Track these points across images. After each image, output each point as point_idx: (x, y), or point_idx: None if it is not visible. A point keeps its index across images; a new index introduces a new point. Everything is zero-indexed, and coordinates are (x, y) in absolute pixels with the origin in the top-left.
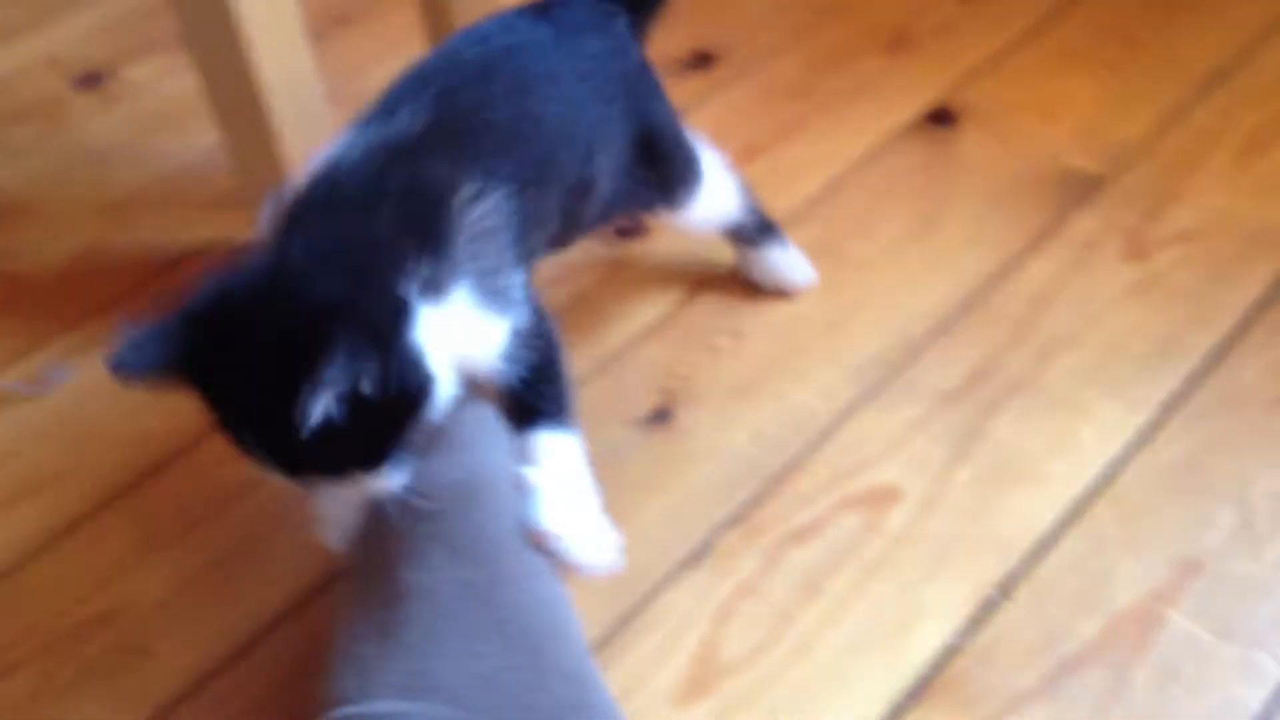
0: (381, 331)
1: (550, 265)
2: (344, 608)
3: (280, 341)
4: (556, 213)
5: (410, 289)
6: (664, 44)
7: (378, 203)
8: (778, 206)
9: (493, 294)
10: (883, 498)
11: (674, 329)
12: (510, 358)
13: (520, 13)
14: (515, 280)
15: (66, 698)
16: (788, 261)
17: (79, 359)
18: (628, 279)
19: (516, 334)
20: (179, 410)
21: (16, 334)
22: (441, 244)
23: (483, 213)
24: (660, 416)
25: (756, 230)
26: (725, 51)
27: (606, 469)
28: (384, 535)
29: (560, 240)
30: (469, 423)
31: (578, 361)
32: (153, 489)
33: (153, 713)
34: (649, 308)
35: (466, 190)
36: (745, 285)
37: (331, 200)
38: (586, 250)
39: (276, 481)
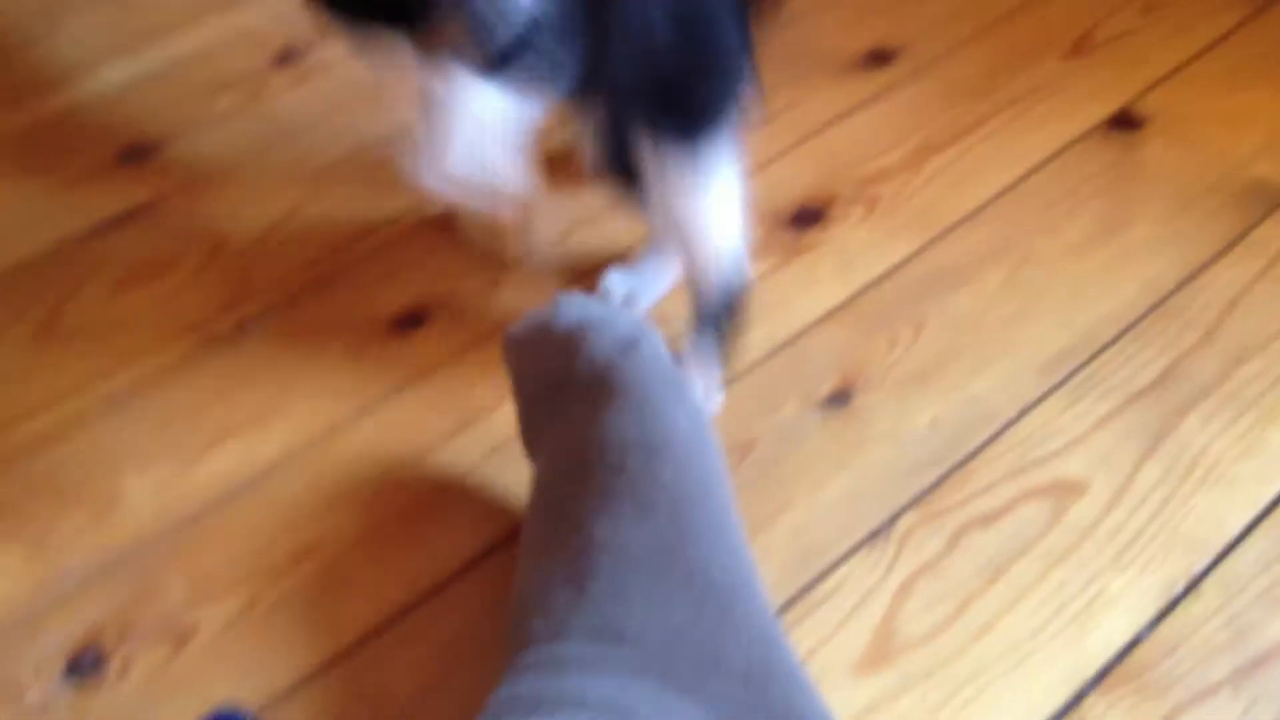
0: None
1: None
2: (531, 552)
3: None
4: None
5: None
6: (843, 40)
7: None
8: (957, 204)
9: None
10: (1068, 490)
11: (854, 316)
12: None
13: None
14: None
15: (267, 624)
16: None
17: (277, 315)
18: (807, 264)
19: None
20: (374, 371)
21: (219, 291)
22: None
23: None
24: (839, 399)
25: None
26: (904, 50)
27: (786, 446)
28: (571, 483)
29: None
30: (650, 380)
31: (757, 341)
32: (347, 438)
33: (350, 642)
34: (829, 294)
35: None
36: (927, 277)
37: None
38: (768, 235)
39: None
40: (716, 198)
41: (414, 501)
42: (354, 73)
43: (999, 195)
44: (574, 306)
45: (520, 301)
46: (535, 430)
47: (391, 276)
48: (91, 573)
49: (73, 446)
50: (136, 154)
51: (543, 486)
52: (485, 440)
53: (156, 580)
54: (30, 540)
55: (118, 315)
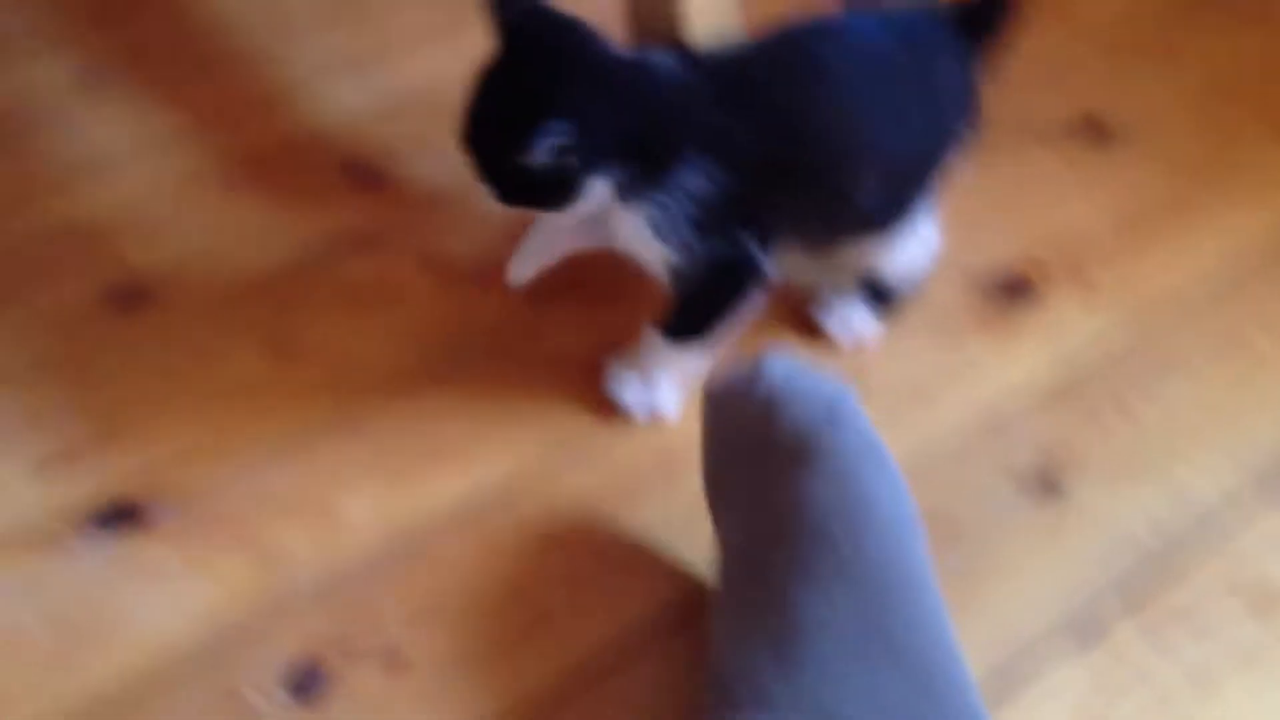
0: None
1: (929, 311)
2: (729, 616)
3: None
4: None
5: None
6: (1055, 107)
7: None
8: (1173, 285)
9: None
10: None
11: (1061, 395)
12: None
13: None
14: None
15: (476, 661)
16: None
17: (500, 344)
18: (1014, 337)
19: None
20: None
21: (443, 318)
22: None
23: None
24: (1043, 482)
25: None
26: (1124, 121)
27: (984, 526)
28: (769, 548)
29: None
30: (853, 448)
31: (959, 414)
32: (561, 478)
33: (548, 688)
34: (1036, 370)
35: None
36: (1139, 360)
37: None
38: (975, 302)
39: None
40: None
41: (616, 550)
42: None
43: (1217, 278)
44: (777, 365)
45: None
46: (726, 489)
47: (601, 312)
48: (312, 589)
49: (297, 463)
50: (368, 175)
51: (737, 548)
52: (692, 492)
53: (374, 603)
54: (254, 551)
55: (344, 336)
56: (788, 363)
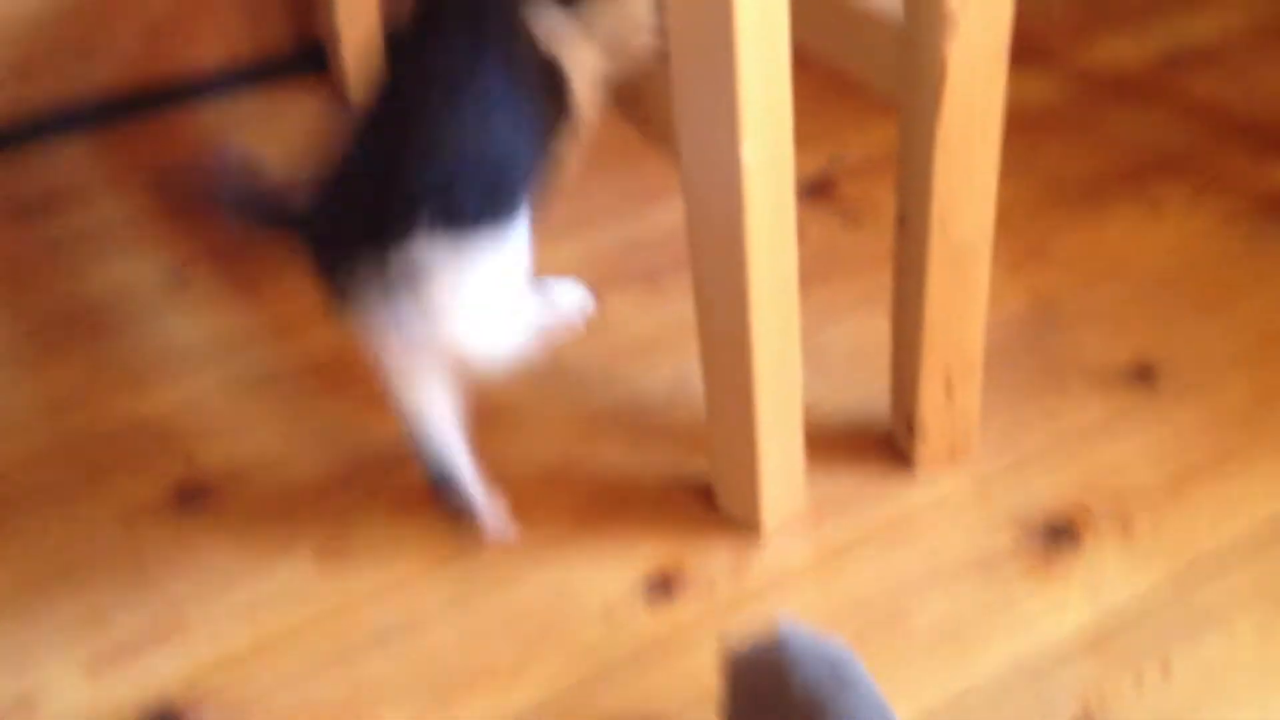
0: None
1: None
2: None
3: None
4: None
5: None
6: (1107, 352)
7: None
8: (1214, 537)
9: None
10: None
11: (1099, 644)
12: None
13: None
14: None
15: None
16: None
17: (541, 559)
18: (1055, 582)
19: None
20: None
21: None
22: None
23: None
24: None
25: None
26: (1169, 367)
27: None
28: None
29: None
30: (862, 708)
31: (998, 656)
32: (602, 697)
33: None
34: (1076, 617)
35: None
36: (1178, 613)
37: None
38: (1017, 543)
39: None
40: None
41: None
42: (636, 325)
43: (1258, 533)
44: (787, 630)
45: (771, 571)
46: None
47: (645, 536)
48: None
49: (339, 676)
50: None
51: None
52: None
53: None
54: None
55: (393, 542)
56: (796, 628)
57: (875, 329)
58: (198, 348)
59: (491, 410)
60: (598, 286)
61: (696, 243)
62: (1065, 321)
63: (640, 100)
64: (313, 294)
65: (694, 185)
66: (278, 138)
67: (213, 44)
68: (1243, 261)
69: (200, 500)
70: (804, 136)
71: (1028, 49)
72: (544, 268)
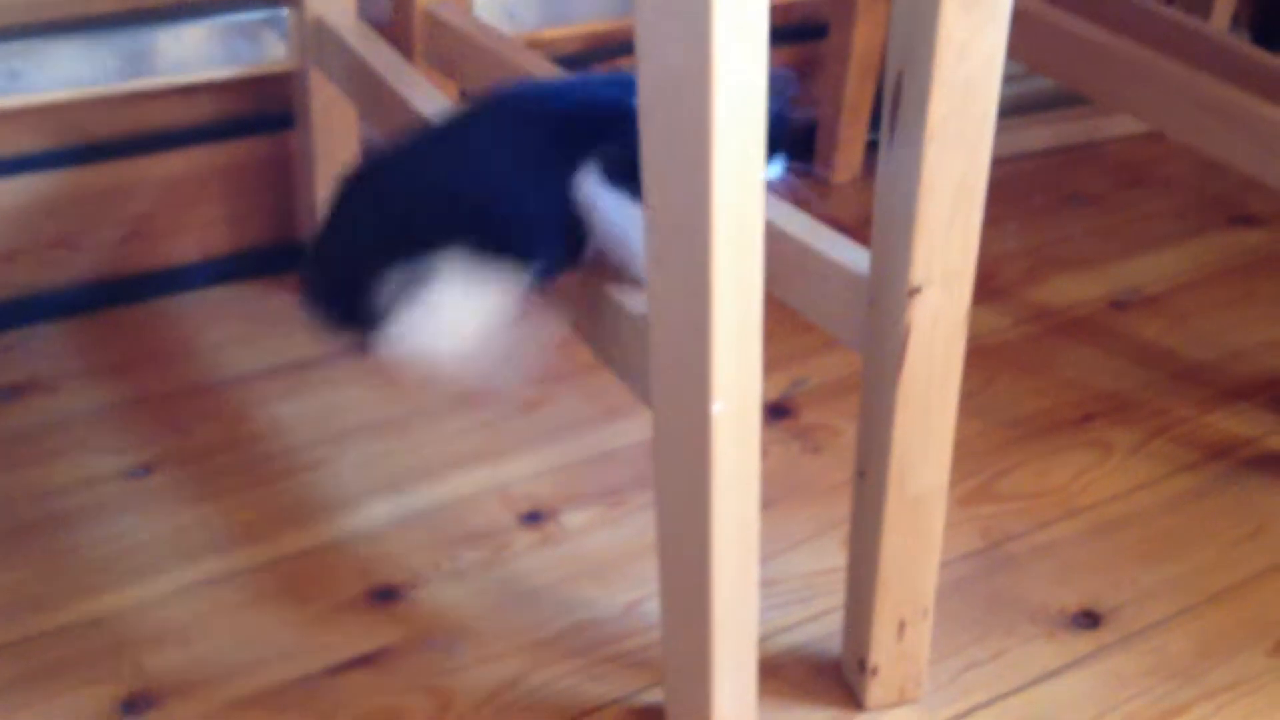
0: None
1: None
2: None
3: None
4: None
5: None
6: (1053, 595)
7: None
8: None
9: None
10: None
11: None
12: None
13: None
14: None
15: None
16: None
17: None
18: None
19: None
20: None
21: None
22: None
23: None
24: None
25: None
26: (1114, 616)
27: None
28: None
29: None
30: None
31: None
32: None
33: None
34: None
35: None
36: None
37: None
38: None
39: None
40: None
41: None
42: (594, 544)
43: None
44: None
45: None
46: None
47: None
48: None
49: None
50: (381, 597)
51: None
52: None
53: None
54: None
55: None
56: None
57: (831, 558)
58: (156, 547)
59: (444, 630)
60: (558, 503)
61: (662, 484)
62: (1014, 562)
63: (609, 337)
64: (279, 496)
65: (664, 432)
66: (253, 332)
67: (193, 240)
68: (1189, 511)
69: (144, 709)
70: (768, 360)
71: (982, 285)
72: (502, 480)
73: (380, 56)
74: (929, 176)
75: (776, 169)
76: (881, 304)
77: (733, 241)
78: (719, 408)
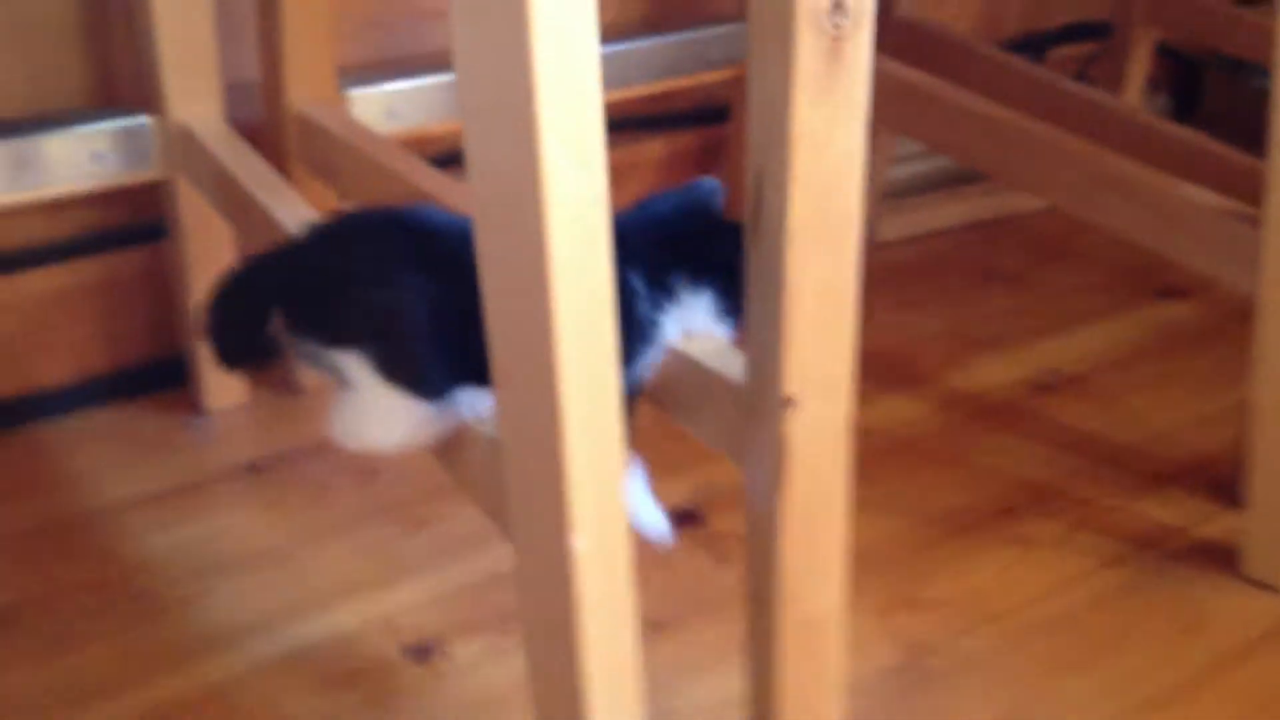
0: None
1: None
2: None
3: None
4: None
5: None
6: (975, 711)
7: None
8: None
9: None
10: None
11: None
12: None
13: None
14: None
15: None
16: None
17: None
18: None
19: None
20: None
21: None
22: None
23: None
24: None
25: None
26: None
27: None
28: None
29: None
30: None
31: None
32: None
33: None
34: None
35: None
36: None
37: None
38: None
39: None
40: None
41: None
42: (484, 678)
43: None
44: None
45: None
46: None
47: None
48: None
49: None
50: None
51: None
52: None
53: None
54: None
55: None
56: None
57: (737, 684)
58: (19, 701)
59: None
60: (447, 633)
61: (528, 625)
62: (935, 678)
63: (464, 461)
64: (145, 640)
65: (525, 569)
66: (128, 456)
67: (64, 361)
68: (1118, 607)
69: None
70: (674, 461)
71: (898, 373)
72: (388, 609)
73: (245, 165)
74: (793, 280)
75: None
76: (757, 416)
77: (579, 348)
78: (580, 542)
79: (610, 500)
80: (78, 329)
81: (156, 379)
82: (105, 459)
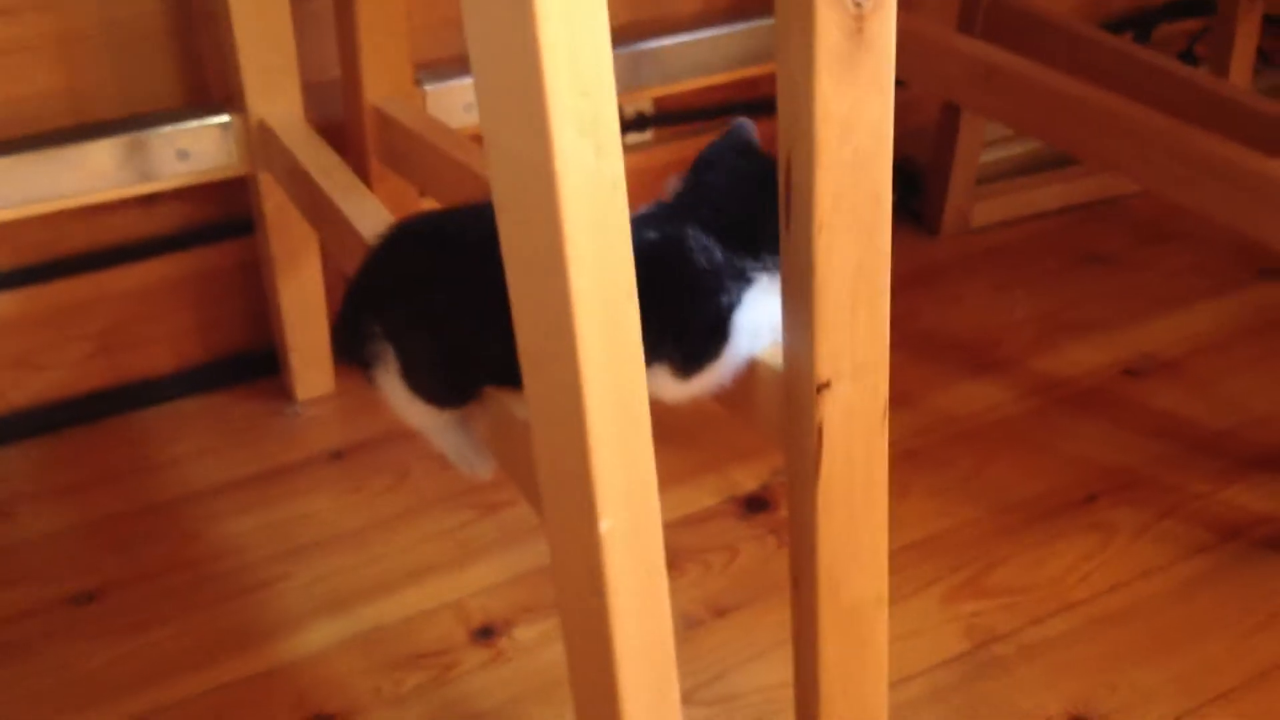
0: None
1: None
2: None
3: None
4: None
5: None
6: (1042, 701)
7: None
8: None
9: None
10: None
11: None
12: None
13: None
14: None
15: None
16: None
17: None
18: None
19: None
20: None
21: None
22: None
23: None
24: None
25: None
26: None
27: None
28: None
29: None
30: None
31: None
32: None
33: None
34: None
35: None
36: None
37: None
38: None
39: None
40: None
41: None
42: (546, 659)
43: None
44: None
45: None
46: None
47: None
48: None
49: None
50: None
51: None
52: None
53: None
54: None
55: None
56: None
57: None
58: (100, 677)
59: None
60: (513, 616)
61: (563, 609)
62: (999, 665)
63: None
64: (221, 620)
65: (557, 552)
66: (217, 444)
67: (163, 351)
68: (1197, 599)
69: None
70: (744, 451)
71: (984, 358)
72: (458, 592)
73: (321, 161)
74: (823, 264)
75: None
76: (795, 401)
77: (600, 331)
78: (606, 525)
79: (638, 483)
80: (176, 320)
81: (250, 369)
82: (198, 445)
